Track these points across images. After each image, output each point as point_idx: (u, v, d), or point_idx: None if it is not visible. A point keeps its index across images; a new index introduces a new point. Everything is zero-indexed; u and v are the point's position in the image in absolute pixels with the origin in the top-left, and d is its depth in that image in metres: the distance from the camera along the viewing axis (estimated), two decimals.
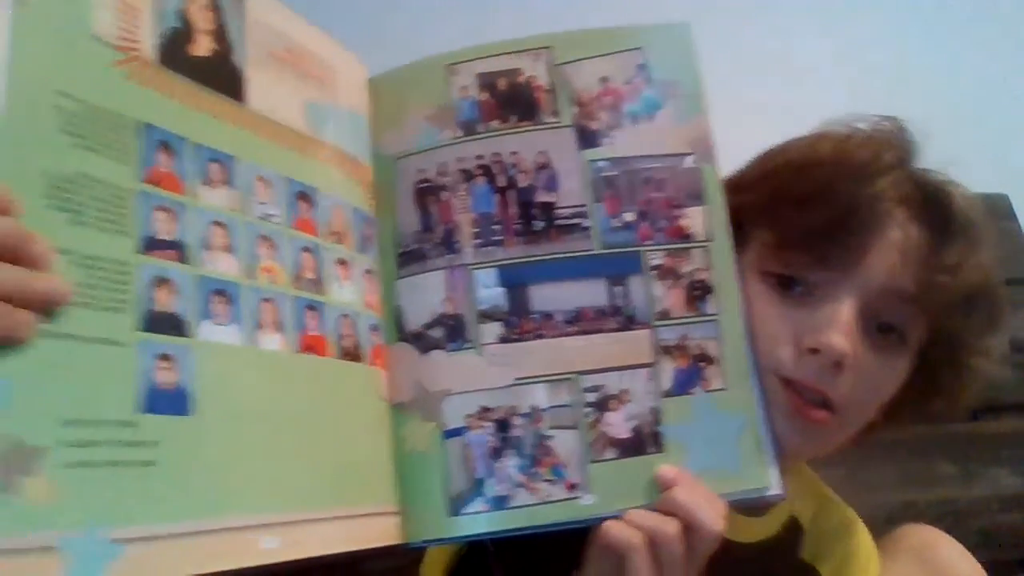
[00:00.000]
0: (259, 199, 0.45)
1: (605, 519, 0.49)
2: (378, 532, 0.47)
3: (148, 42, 0.42)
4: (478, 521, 0.50)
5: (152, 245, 0.39)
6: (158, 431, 0.36)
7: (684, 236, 0.55)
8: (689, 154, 0.56)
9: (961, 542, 0.67)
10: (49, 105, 0.36)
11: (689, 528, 0.47)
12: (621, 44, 0.58)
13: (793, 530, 0.64)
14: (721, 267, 0.55)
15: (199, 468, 0.38)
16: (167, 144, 0.41)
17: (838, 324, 0.52)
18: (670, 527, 0.47)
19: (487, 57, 0.59)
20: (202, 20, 0.46)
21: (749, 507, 0.61)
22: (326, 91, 0.53)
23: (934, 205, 0.55)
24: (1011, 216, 1.05)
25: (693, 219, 0.55)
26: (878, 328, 0.54)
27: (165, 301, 0.39)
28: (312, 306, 0.47)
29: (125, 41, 0.41)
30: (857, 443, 0.61)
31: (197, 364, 0.39)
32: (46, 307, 0.33)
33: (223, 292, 0.42)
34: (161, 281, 0.39)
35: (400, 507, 0.49)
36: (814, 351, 0.53)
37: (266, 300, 0.44)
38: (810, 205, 0.54)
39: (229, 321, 0.41)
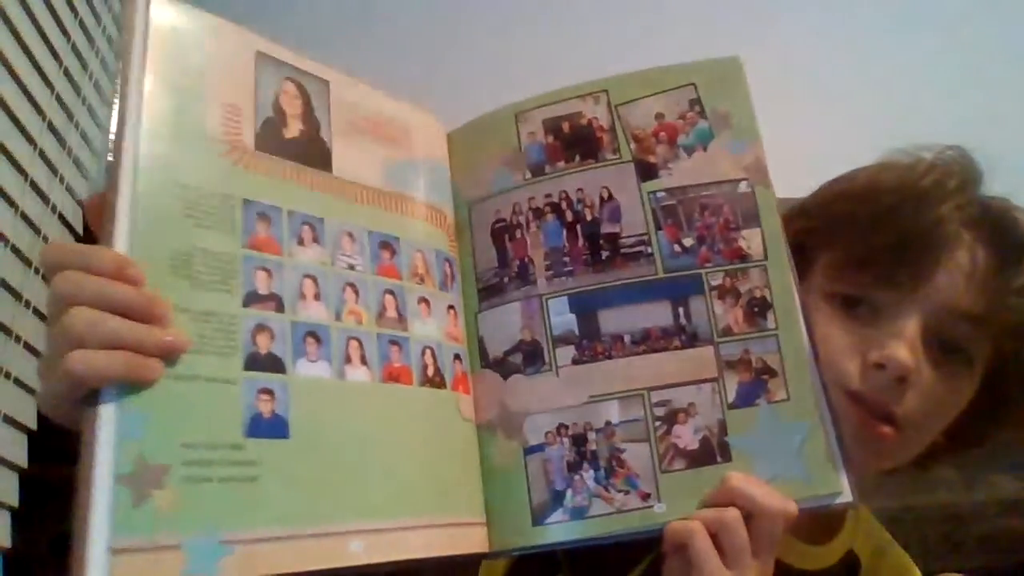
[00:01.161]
0: (345, 252, 0.52)
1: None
2: (465, 541, 0.52)
3: (248, 133, 0.49)
4: (559, 530, 0.54)
5: (254, 299, 0.46)
6: (260, 452, 0.43)
7: (741, 257, 0.58)
8: (743, 179, 0.59)
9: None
10: (172, 196, 0.44)
11: (751, 514, 0.48)
12: (673, 82, 0.62)
13: (851, 565, 0.65)
14: (778, 283, 0.56)
15: (295, 482, 0.43)
16: (264, 214, 0.49)
17: (904, 339, 0.54)
18: (729, 513, 0.48)
19: (551, 104, 0.64)
20: (292, 107, 0.54)
21: (815, 528, 0.62)
22: (403, 149, 0.59)
23: (1000, 229, 0.56)
24: None
25: (749, 240, 0.58)
26: (943, 348, 0.55)
27: (265, 344, 0.46)
28: (395, 341, 0.53)
29: (230, 135, 0.49)
30: (922, 467, 0.62)
31: (292, 396, 0.45)
32: (168, 355, 0.40)
33: (314, 334, 0.49)
34: (261, 328, 0.45)
35: (487, 519, 0.54)
36: (880, 366, 0.54)
37: (352, 338, 0.51)
38: (876, 227, 0.57)
39: (320, 358, 0.48)
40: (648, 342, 0.56)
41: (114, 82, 0.44)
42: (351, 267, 0.52)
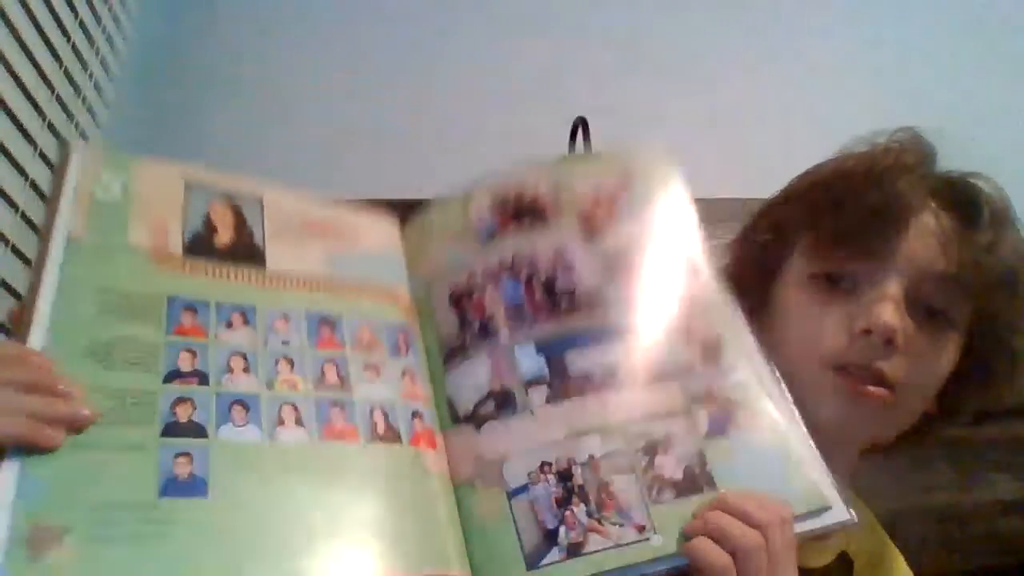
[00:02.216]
0: (278, 332, 0.53)
1: (678, 558, 0.48)
2: None
3: (175, 243, 0.53)
4: (558, 571, 0.48)
5: (175, 376, 0.46)
6: (174, 511, 0.41)
7: (691, 302, 0.59)
8: (677, 237, 0.62)
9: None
10: (91, 300, 0.47)
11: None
12: (608, 161, 0.67)
13: (844, 565, 0.64)
14: (726, 323, 0.57)
15: (213, 539, 0.41)
16: (191, 307, 0.52)
17: (886, 302, 0.56)
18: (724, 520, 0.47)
19: (495, 183, 0.67)
20: (223, 220, 0.59)
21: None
22: (346, 243, 0.60)
23: (961, 195, 0.60)
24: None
25: (693, 288, 0.60)
26: (925, 312, 0.57)
27: (185, 414, 0.45)
28: (337, 403, 0.52)
29: (156, 246, 0.54)
30: (920, 442, 0.63)
31: (213, 458, 0.43)
32: (70, 424, 0.41)
33: (242, 402, 0.49)
34: (182, 400, 0.45)
35: (473, 566, 0.49)
36: (867, 332, 0.56)
37: (287, 403, 0.50)
38: (847, 206, 0.60)
39: (248, 423, 0.48)
40: (616, 378, 0.55)
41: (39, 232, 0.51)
42: (286, 343, 0.53)
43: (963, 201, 0.59)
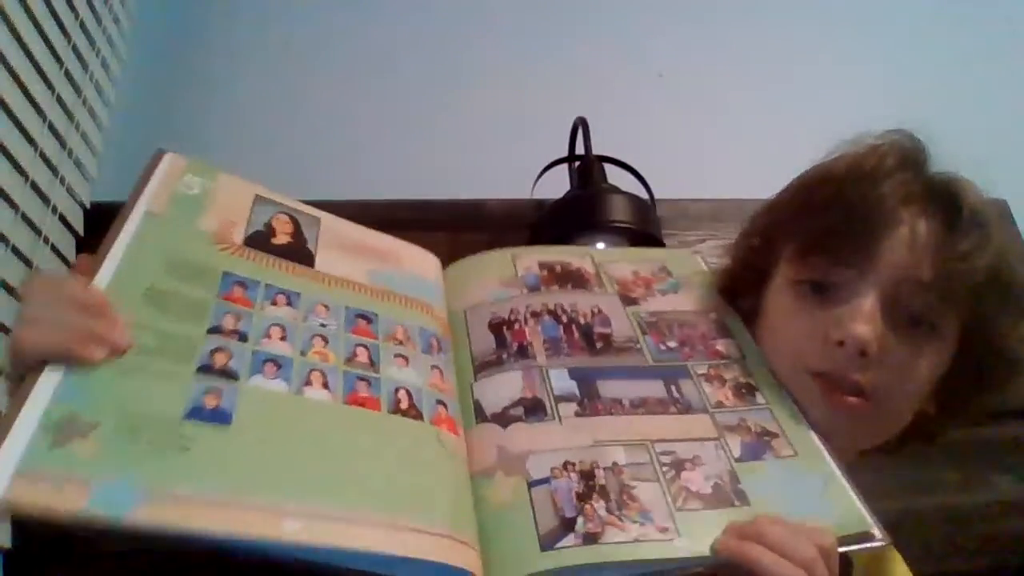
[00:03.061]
0: (318, 316, 0.56)
1: (700, 563, 0.46)
2: (439, 550, 0.44)
3: (239, 236, 0.59)
4: (571, 554, 0.45)
5: (218, 331, 0.49)
6: (196, 432, 0.41)
7: (721, 356, 0.62)
8: (712, 312, 0.66)
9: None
10: (157, 258, 0.51)
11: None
12: (645, 257, 0.74)
13: (844, 564, 0.56)
14: (760, 373, 0.60)
15: (230, 457, 0.41)
16: (242, 283, 0.56)
17: (859, 316, 0.55)
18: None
19: (543, 253, 0.71)
20: (282, 227, 0.64)
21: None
22: (388, 263, 0.63)
23: (942, 200, 0.58)
24: (1011, 222, 1.02)
25: (726, 346, 0.63)
26: (905, 320, 0.56)
27: (221, 362, 0.46)
28: (364, 378, 0.53)
29: (222, 234, 0.59)
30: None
31: (240, 398, 0.44)
32: (110, 345, 0.43)
33: (275, 360, 0.51)
34: (220, 350, 0.47)
35: (485, 559, 0.46)
36: (840, 343, 0.55)
37: (315, 370, 0.52)
38: (827, 211, 0.59)
39: (277, 378, 0.49)
40: (646, 406, 0.56)
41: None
42: (323, 325, 0.56)
43: (943, 207, 0.58)
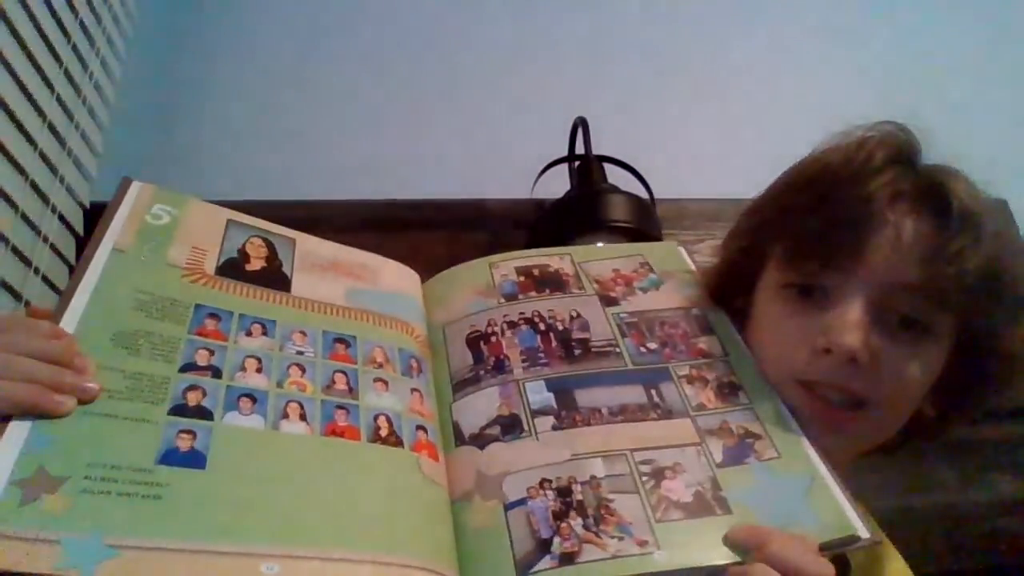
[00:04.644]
0: (295, 344, 0.55)
1: (682, 572, 0.45)
2: None
3: (210, 265, 0.57)
4: None
5: (191, 368, 0.48)
6: (170, 477, 0.41)
7: (703, 355, 0.60)
8: (693, 307, 0.65)
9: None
10: (127, 297, 0.50)
11: None
12: (625, 252, 0.72)
13: (842, 565, 0.58)
14: (744, 370, 0.59)
15: (204, 504, 0.41)
16: (215, 315, 0.54)
17: (847, 323, 0.53)
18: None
19: (521, 258, 0.70)
20: (256, 252, 0.63)
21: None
22: (366, 281, 0.62)
23: (931, 198, 0.55)
24: (1010, 221, 0.99)
25: (709, 344, 0.61)
26: (897, 323, 0.54)
27: (195, 400, 0.46)
28: (343, 407, 0.52)
29: (192, 265, 0.58)
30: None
31: (215, 438, 0.44)
32: (80, 395, 0.42)
33: (250, 395, 0.50)
34: (193, 387, 0.46)
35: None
36: (827, 350, 0.53)
37: (293, 401, 0.51)
38: (814, 213, 0.56)
39: (253, 413, 0.48)
40: (625, 414, 0.55)
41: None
42: (300, 353, 0.55)
43: (932, 206, 0.55)
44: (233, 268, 0.58)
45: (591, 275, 0.68)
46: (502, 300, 0.65)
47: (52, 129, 0.92)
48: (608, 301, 0.65)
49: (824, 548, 0.46)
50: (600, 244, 0.90)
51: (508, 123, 1.21)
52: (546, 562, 0.46)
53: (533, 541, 0.47)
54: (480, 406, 0.57)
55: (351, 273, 0.64)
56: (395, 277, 0.67)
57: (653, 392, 0.57)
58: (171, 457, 0.43)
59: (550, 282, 0.68)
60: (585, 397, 0.56)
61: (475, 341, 0.62)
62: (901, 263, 0.54)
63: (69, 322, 0.48)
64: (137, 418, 0.44)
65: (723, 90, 1.30)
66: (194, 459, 0.44)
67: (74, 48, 0.99)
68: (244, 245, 0.61)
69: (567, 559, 0.45)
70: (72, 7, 1.00)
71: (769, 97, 1.30)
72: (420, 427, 0.53)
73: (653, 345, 0.61)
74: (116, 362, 0.47)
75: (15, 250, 0.83)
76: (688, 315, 0.64)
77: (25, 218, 0.85)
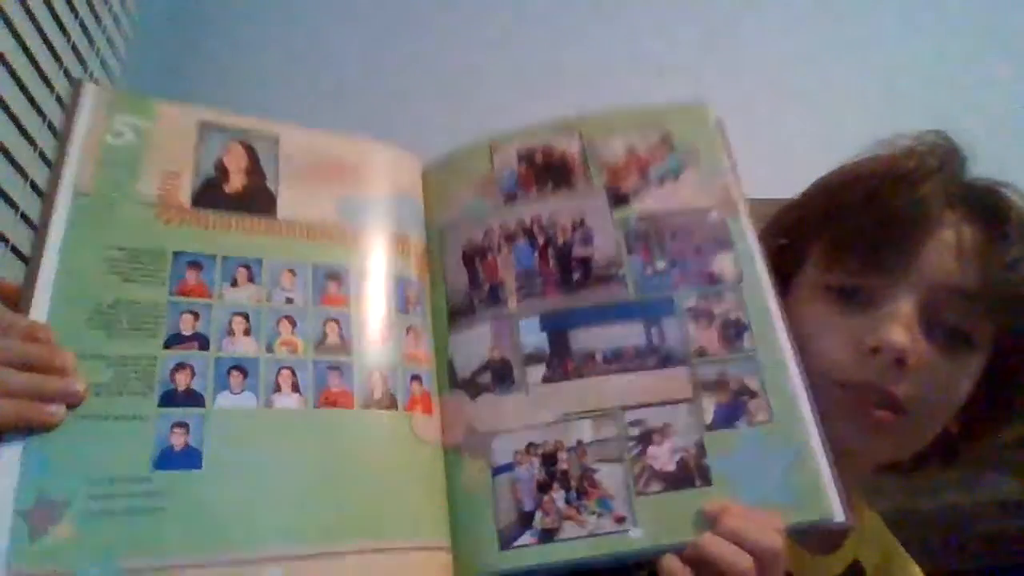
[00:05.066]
0: (284, 287, 0.52)
1: (655, 553, 0.47)
2: (422, 567, 0.48)
3: (185, 193, 0.52)
4: (528, 554, 0.48)
5: (176, 341, 0.46)
6: (168, 484, 0.42)
7: (714, 280, 0.55)
8: (713, 209, 0.57)
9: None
10: (96, 257, 0.47)
11: (753, 556, 0.44)
12: (644, 121, 0.62)
13: (856, 572, 0.61)
14: (755, 305, 0.54)
15: (204, 511, 0.42)
16: (196, 262, 0.50)
17: (897, 321, 0.52)
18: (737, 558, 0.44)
19: (525, 136, 0.63)
20: (236, 164, 0.57)
21: (820, 539, 0.61)
22: (359, 187, 0.57)
23: (986, 205, 0.55)
24: None
25: (722, 264, 0.56)
26: (943, 331, 0.53)
27: (184, 382, 0.45)
28: (335, 367, 0.52)
29: (165, 197, 0.53)
30: (946, 462, 0.61)
31: (208, 428, 0.44)
32: (67, 400, 0.41)
33: (240, 367, 0.49)
34: (181, 366, 0.45)
35: (454, 544, 0.49)
36: (876, 350, 0.52)
37: (284, 368, 0.50)
38: (862, 213, 0.55)
39: (245, 389, 0.47)
40: (621, 361, 0.53)
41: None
42: (289, 300, 0.53)
43: (988, 212, 0.54)
44: (211, 193, 0.53)
45: (601, 160, 0.61)
46: (500, 201, 0.61)
47: (52, 129, 0.93)
48: (617, 199, 0.59)
49: (792, 530, 0.47)
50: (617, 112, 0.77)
51: (508, 123, 1.20)
52: (527, 537, 0.49)
53: (516, 513, 0.50)
54: (474, 345, 0.56)
55: (344, 175, 0.58)
56: (392, 171, 0.61)
57: (653, 331, 0.54)
58: (167, 459, 0.44)
59: (554, 172, 0.62)
60: (580, 339, 0.55)
61: (471, 256, 0.60)
62: (954, 267, 0.52)
63: (40, 301, 0.46)
64: (128, 416, 0.44)
65: (723, 91, 1.26)
66: (189, 458, 0.45)
67: (74, 48, 1.01)
68: (222, 156, 0.55)
69: (547, 536, 0.48)
70: (72, 7, 1.01)
71: (770, 97, 1.31)
72: (415, 377, 0.53)
73: (661, 264, 0.57)
74: (96, 347, 0.46)
75: (15, 250, 0.83)
76: (705, 221, 0.58)
77: (25, 218, 0.85)
